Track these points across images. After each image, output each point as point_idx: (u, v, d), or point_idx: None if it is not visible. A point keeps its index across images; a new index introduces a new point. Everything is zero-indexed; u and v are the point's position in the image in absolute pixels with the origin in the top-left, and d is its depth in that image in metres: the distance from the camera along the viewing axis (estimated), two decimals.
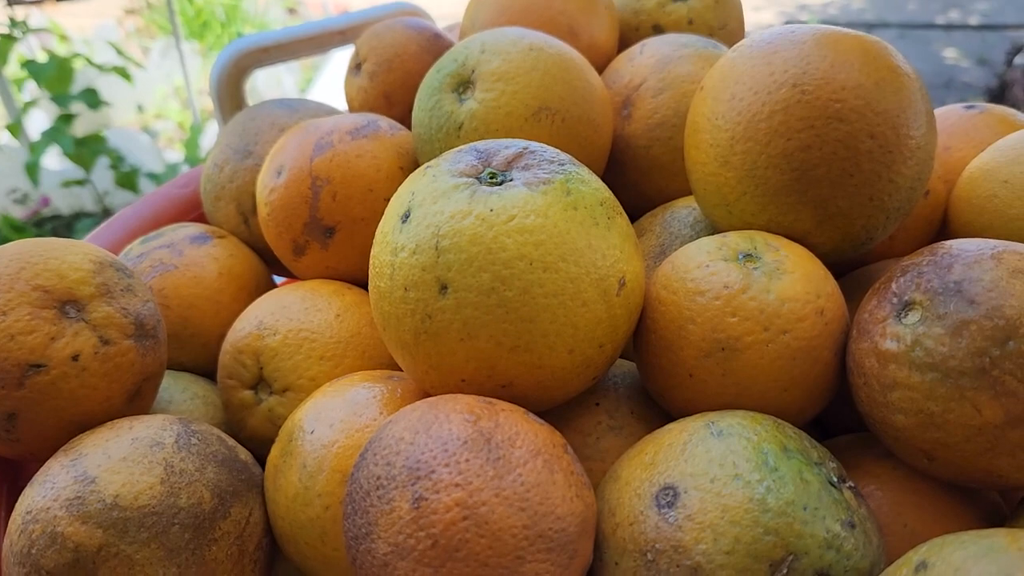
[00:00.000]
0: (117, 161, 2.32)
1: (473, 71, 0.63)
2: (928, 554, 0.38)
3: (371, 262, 0.51)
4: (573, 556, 0.42)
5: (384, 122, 0.69)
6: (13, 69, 2.57)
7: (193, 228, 0.74)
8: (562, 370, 0.48)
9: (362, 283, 0.67)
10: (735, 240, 0.53)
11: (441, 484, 0.40)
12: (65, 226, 2.41)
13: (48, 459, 0.50)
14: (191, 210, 0.85)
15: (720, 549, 0.41)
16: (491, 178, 0.48)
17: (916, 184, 0.54)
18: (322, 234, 0.66)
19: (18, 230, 2.20)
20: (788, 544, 0.41)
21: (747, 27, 0.85)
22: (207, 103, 3.13)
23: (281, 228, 0.67)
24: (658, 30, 0.81)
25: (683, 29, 0.80)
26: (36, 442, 0.52)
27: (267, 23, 3.63)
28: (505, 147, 0.50)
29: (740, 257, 0.51)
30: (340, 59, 3.10)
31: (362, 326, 0.62)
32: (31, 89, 2.45)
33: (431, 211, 0.47)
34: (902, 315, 0.47)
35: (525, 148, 0.50)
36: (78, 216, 2.45)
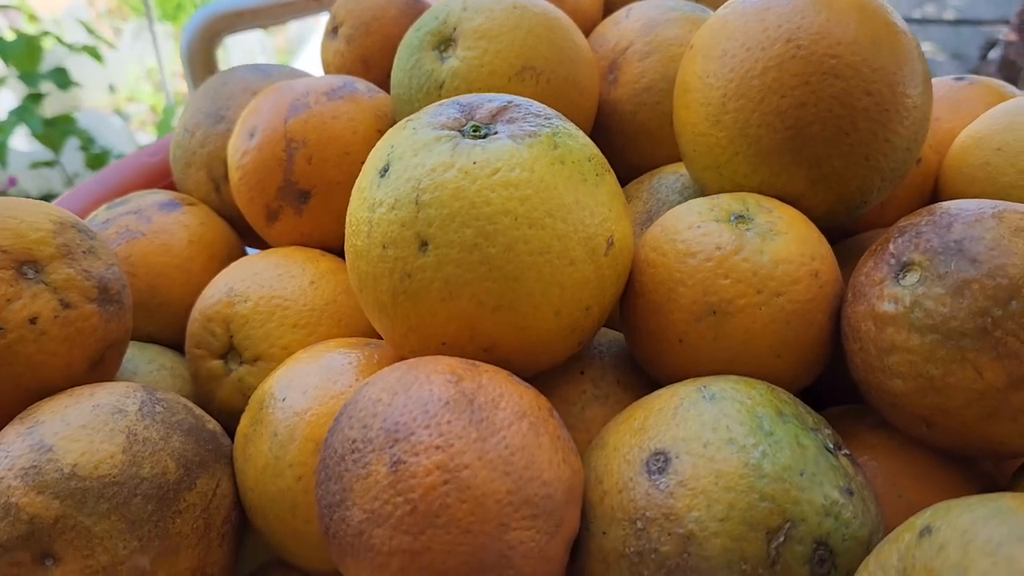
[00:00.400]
0: (87, 143, 2.27)
1: (455, 29, 0.60)
2: (932, 518, 0.36)
3: (347, 219, 0.49)
4: (559, 524, 0.40)
5: (361, 84, 0.66)
6: None
7: (162, 194, 0.71)
8: (547, 332, 0.46)
9: (338, 251, 0.64)
10: (727, 201, 0.51)
11: (421, 446, 0.38)
12: None
13: (3, 428, 0.48)
14: (160, 179, 0.82)
15: (714, 516, 0.39)
16: (474, 131, 0.46)
17: (912, 145, 0.52)
18: (296, 199, 0.63)
19: None
20: (785, 511, 0.39)
21: None
22: (180, 86, 3.07)
23: (253, 192, 0.64)
24: None
25: None
26: None
27: None
28: (489, 100, 0.48)
29: (732, 218, 0.49)
30: (317, 41, 3.06)
31: (337, 293, 0.59)
32: None
33: (411, 164, 0.45)
34: (900, 276, 0.45)
35: (510, 102, 0.48)
36: (47, 198, 2.40)
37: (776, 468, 0.39)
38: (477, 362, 0.43)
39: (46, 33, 2.17)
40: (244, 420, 0.51)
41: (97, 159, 2.25)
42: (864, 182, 0.52)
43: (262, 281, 0.59)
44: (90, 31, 2.33)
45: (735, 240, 0.48)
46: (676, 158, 0.65)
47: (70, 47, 2.22)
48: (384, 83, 0.71)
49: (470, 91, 0.59)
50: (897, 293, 0.44)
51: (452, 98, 0.49)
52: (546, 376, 0.52)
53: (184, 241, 0.68)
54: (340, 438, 0.40)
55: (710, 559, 0.38)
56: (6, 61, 2.08)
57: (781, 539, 0.38)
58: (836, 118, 0.49)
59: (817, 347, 0.49)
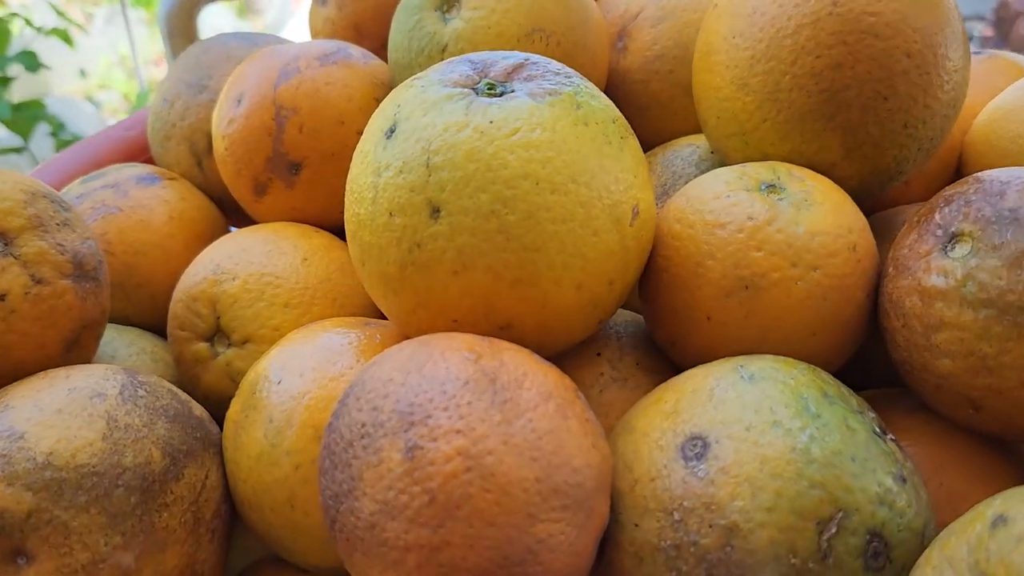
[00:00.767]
0: (57, 129, 2.20)
1: None
2: (1005, 507, 0.33)
3: (348, 186, 0.45)
4: (590, 515, 0.36)
5: (355, 50, 0.62)
6: None
7: (140, 168, 0.67)
8: (567, 309, 0.42)
9: (331, 228, 0.60)
10: (756, 169, 0.47)
11: (439, 430, 0.34)
12: None
13: None
14: (137, 155, 0.77)
15: (760, 506, 0.35)
16: (489, 89, 0.42)
17: (950, 112, 0.49)
18: (287, 171, 0.59)
19: None
20: (837, 499, 0.35)
21: None
22: (154, 73, 3.00)
23: (240, 164, 0.59)
24: None
25: None
26: None
27: None
28: (503, 58, 0.44)
29: (763, 187, 0.46)
30: (294, 27, 3.00)
31: (332, 271, 0.55)
32: None
33: (420, 124, 0.41)
34: (949, 248, 0.42)
35: (526, 59, 0.44)
36: None
37: (825, 453, 0.36)
38: (495, 339, 0.40)
39: (14, 15, 2.10)
40: (234, 406, 0.47)
41: (67, 146, 2.18)
42: (901, 151, 0.48)
43: (251, 258, 0.55)
44: (60, 14, 2.26)
45: (768, 210, 0.44)
46: (690, 130, 0.62)
47: (39, 30, 2.15)
48: (379, 53, 0.67)
49: None
50: (946, 266, 0.41)
51: (463, 55, 0.45)
52: (560, 357, 0.48)
53: (164, 217, 0.64)
54: (347, 422, 0.36)
55: (756, 552, 0.35)
56: None
57: (833, 530, 0.35)
58: (875, 81, 0.46)
59: (854, 325, 0.45)
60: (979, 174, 0.44)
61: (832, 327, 0.44)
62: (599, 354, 0.49)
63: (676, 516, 0.37)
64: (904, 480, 0.37)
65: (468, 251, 0.40)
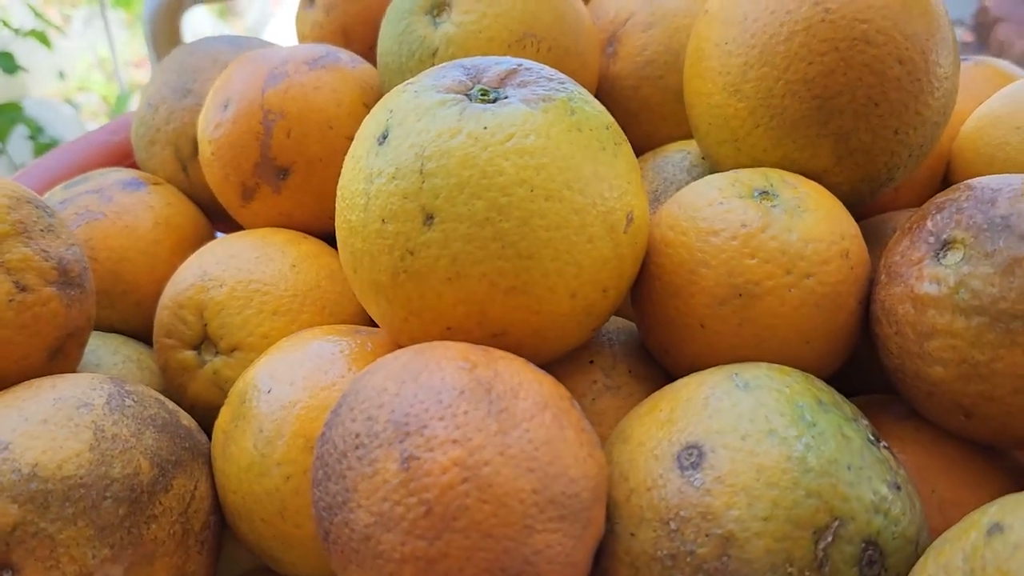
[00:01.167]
0: (36, 132, 2.17)
1: None
2: (1000, 515, 0.33)
3: (339, 193, 0.44)
4: (587, 526, 0.36)
5: (344, 54, 0.62)
6: None
7: (124, 173, 0.66)
8: (562, 317, 0.42)
9: (319, 234, 0.60)
10: (749, 176, 0.47)
11: (436, 441, 0.33)
12: None
13: None
14: (121, 159, 0.76)
15: (756, 515, 0.35)
16: (483, 95, 0.42)
17: (941, 119, 0.49)
18: (275, 176, 0.58)
19: None
20: (832, 508, 0.35)
21: None
22: (134, 76, 2.97)
23: (228, 169, 0.59)
24: None
25: None
26: None
27: None
28: (496, 63, 0.44)
29: (756, 194, 0.46)
30: (276, 27, 2.98)
31: (321, 278, 0.55)
32: None
33: (414, 129, 0.41)
34: (941, 255, 0.42)
35: (519, 65, 0.44)
36: None
37: (821, 462, 0.36)
38: (489, 348, 0.39)
39: None
40: (223, 415, 0.46)
41: (46, 149, 2.16)
42: (892, 158, 0.48)
43: (239, 264, 0.54)
44: (38, 15, 2.24)
45: (761, 217, 0.44)
46: (680, 135, 0.62)
47: (16, 31, 2.13)
48: (367, 56, 0.67)
49: None
50: (939, 273, 0.41)
51: (454, 61, 0.45)
52: (553, 365, 0.48)
53: (149, 223, 0.63)
54: (340, 432, 0.36)
55: (752, 562, 0.35)
56: None
57: (829, 539, 0.35)
58: (867, 87, 0.46)
59: (846, 333, 0.46)
60: (970, 181, 0.44)
61: (826, 334, 0.44)
62: (592, 362, 0.49)
63: (672, 526, 0.36)
64: (899, 488, 0.37)
65: (462, 258, 0.40)
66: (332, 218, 0.46)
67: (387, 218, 0.41)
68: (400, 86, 0.44)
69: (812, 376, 0.41)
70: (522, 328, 0.42)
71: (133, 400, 0.44)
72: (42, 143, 2.17)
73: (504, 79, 0.43)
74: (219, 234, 0.72)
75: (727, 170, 0.52)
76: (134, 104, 2.55)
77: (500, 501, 0.33)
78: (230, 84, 0.59)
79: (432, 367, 0.36)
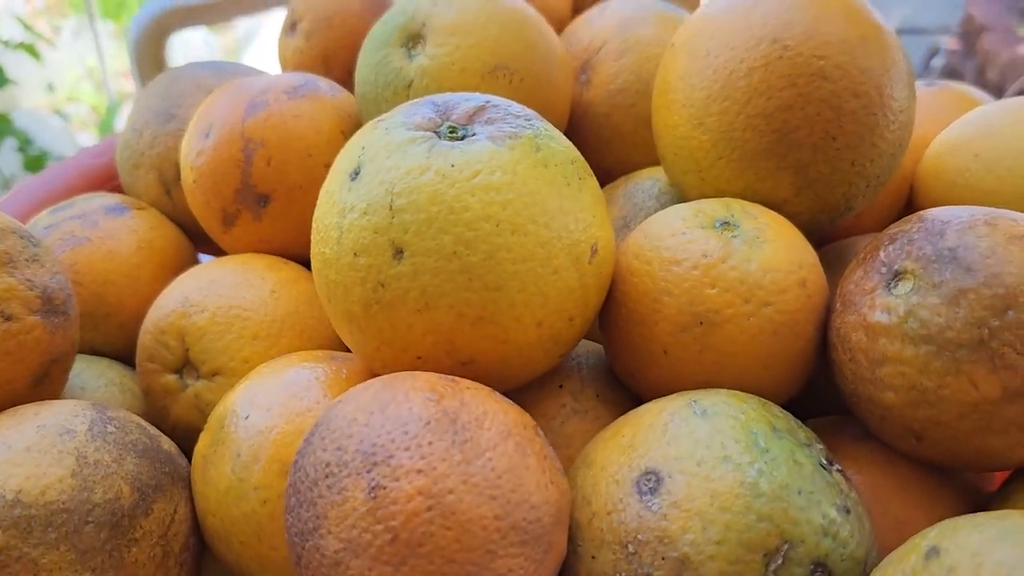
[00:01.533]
0: (25, 144, 2.18)
1: (424, 24, 0.58)
2: (938, 539, 0.35)
3: (314, 226, 0.46)
4: (548, 550, 0.37)
5: (324, 83, 0.63)
6: None
7: (109, 198, 0.67)
8: (528, 346, 0.44)
9: (299, 259, 0.61)
10: (711, 207, 0.49)
11: (401, 470, 0.35)
12: None
13: None
14: (106, 181, 0.78)
15: (710, 539, 0.37)
16: (451, 132, 0.43)
17: (897, 151, 0.51)
18: (255, 203, 0.60)
19: None
20: (783, 531, 0.37)
21: None
22: (123, 86, 2.98)
23: (209, 196, 0.60)
24: None
25: None
26: None
27: None
28: (465, 100, 0.46)
29: (717, 224, 0.47)
30: (264, 39, 2.99)
31: (300, 304, 0.56)
32: None
33: (384, 166, 0.42)
34: (892, 285, 0.44)
35: (488, 102, 0.46)
36: None
37: (773, 487, 0.38)
38: (457, 378, 0.41)
39: None
40: (203, 440, 0.48)
41: (36, 161, 2.16)
42: (850, 188, 0.50)
43: (219, 290, 0.55)
44: (27, 28, 2.25)
45: (722, 247, 0.46)
46: (651, 162, 0.63)
47: (6, 44, 2.13)
48: (346, 82, 0.68)
49: (440, 90, 0.56)
50: (890, 303, 0.43)
51: (426, 97, 0.47)
52: (523, 390, 0.49)
53: (132, 247, 0.65)
54: (312, 461, 0.37)
55: None
56: None
57: (780, 561, 0.37)
58: (824, 121, 0.48)
59: (804, 359, 0.47)
60: (923, 212, 0.46)
61: (783, 361, 0.46)
62: (561, 386, 0.51)
63: (631, 549, 0.38)
64: (848, 511, 0.39)
65: (431, 291, 0.41)
66: (311, 242, 0.48)
67: (359, 251, 0.42)
68: (372, 122, 0.46)
69: (769, 402, 0.43)
70: (490, 356, 0.43)
71: (115, 426, 0.46)
72: (31, 155, 2.18)
73: (472, 116, 0.45)
74: (202, 256, 0.73)
75: (692, 199, 0.53)
76: (123, 114, 2.56)
77: (463, 528, 0.35)
78: (212, 112, 0.60)
79: (400, 398, 0.38)
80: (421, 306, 0.42)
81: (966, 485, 0.48)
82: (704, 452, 0.39)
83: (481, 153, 0.42)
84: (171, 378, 0.55)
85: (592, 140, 0.66)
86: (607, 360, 0.53)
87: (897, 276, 0.44)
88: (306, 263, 0.59)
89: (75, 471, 0.42)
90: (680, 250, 0.46)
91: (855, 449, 0.48)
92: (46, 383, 0.50)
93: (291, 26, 0.75)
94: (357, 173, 0.43)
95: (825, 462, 0.41)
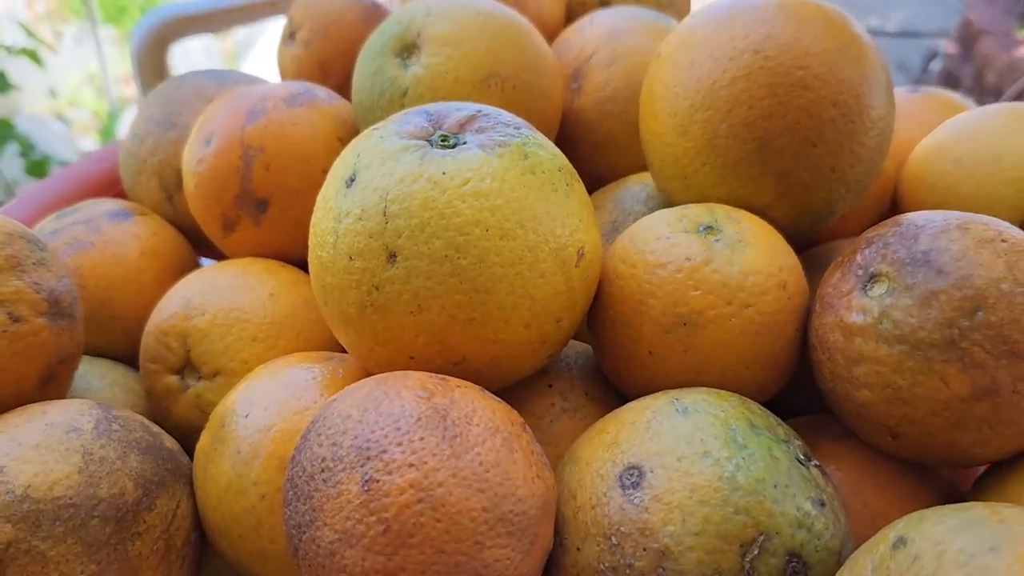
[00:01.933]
0: (27, 148, 2.20)
1: (418, 34, 0.59)
2: (906, 529, 0.36)
3: (311, 230, 0.47)
4: (534, 541, 0.39)
5: (321, 91, 0.65)
6: None
7: (112, 203, 0.69)
8: (517, 346, 0.45)
9: (297, 262, 0.63)
10: (695, 212, 0.50)
11: (394, 464, 0.37)
12: None
13: None
14: (109, 187, 0.79)
15: (689, 531, 0.38)
16: (443, 141, 0.45)
17: (876, 156, 0.53)
18: (254, 208, 0.61)
19: None
20: (759, 523, 0.38)
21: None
22: (124, 91, 3.00)
23: (210, 201, 0.62)
24: (605, 3, 0.79)
25: (630, 2, 0.78)
26: None
27: None
28: (457, 109, 0.47)
29: (701, 229, 0.49)
30: (262, 46, 3.01)
31: (298, 306, 0.58)
32: None
33: (378, 174, 0.44)
34: (868, 287, 0.45)
35: (479, 111, 0.47)
36: None
37: (750, 481, 0.39)
38: (448, 377, 0.42)
39: None
40: (204, 438, 0.49)
41: (38, 166, 2.18)
42: (830, 193, 0.52)
43: (220, 293, 0.57)
44: (30, 34, 2.27)
45: (704, 251, 0.47)
46: (641, 167, 0.65)
47: (8, 50, 2.15)
48: (343, 90, 0.70)
49: (434, 99, 0.58)
50: (865, 304, 0.45)
51: (419, 107, 0.48)
52: (513, 389, 0.51)
53: (136, 252, 0.66)
54: (308, 456, 0.39)
55: (685, 574, 0.38)
56: None
57: (755, 552, 0.38)
58: (803, 129, 0.50)
59: (784, 358, 0.49)
60: (899, 217, 0.48)
61: (764, 360, 0.48)
62: (551, 385, 0.52)
63: (614, 540, 0.40)
64: (823, 504, 0.40)
65: (423, 293, 0.43)
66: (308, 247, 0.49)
67: (354, 255, 0.44)
68: (368, 130, 0.48)
69: (748, 400, 0.45)
70: (480, 356, 0.45)
71: (119, 425, 0.48)
72: (33, 160, 2.19)
73: (464, 125, 0.46)
74: (203, 260, 0.75)
75: (678, 203, 0.55)
76: (124, 119, 2.58)
77: (452, 519, 0.36)
78: (212, 120, 0.62)
79: (392, 396, 0.39)
80: (414, 308, 0.43)
81: (943, 481, 0.50)
82: (684, 448, 0.41)
83: (471, 161, 0.43)
84: (173, 379, 0.57)
85: (584, 146, 0.67)
86: (596, 360, 0.54)
87: (873, 278, 0.45)
88: (304, 266, 0.60)
89: (81, 468, 0.44)
90: (664, 254, 0.48)
91: (837, 447, 0.50)
92: (53, 383, 0.52)
93: (290, 35, 0.77)
94: (353, 180, 0.45)
95: (802, 457, 0.42)
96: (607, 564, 0.39)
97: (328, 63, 0.74)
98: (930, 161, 0.63)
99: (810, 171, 0.51)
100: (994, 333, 0.41)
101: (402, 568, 0.36)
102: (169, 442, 0.51)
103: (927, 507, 0.45)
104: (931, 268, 0.43)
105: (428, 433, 0.38)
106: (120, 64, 3.03)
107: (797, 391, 0.53)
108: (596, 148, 0.67)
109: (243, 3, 0.88)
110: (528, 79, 0.60)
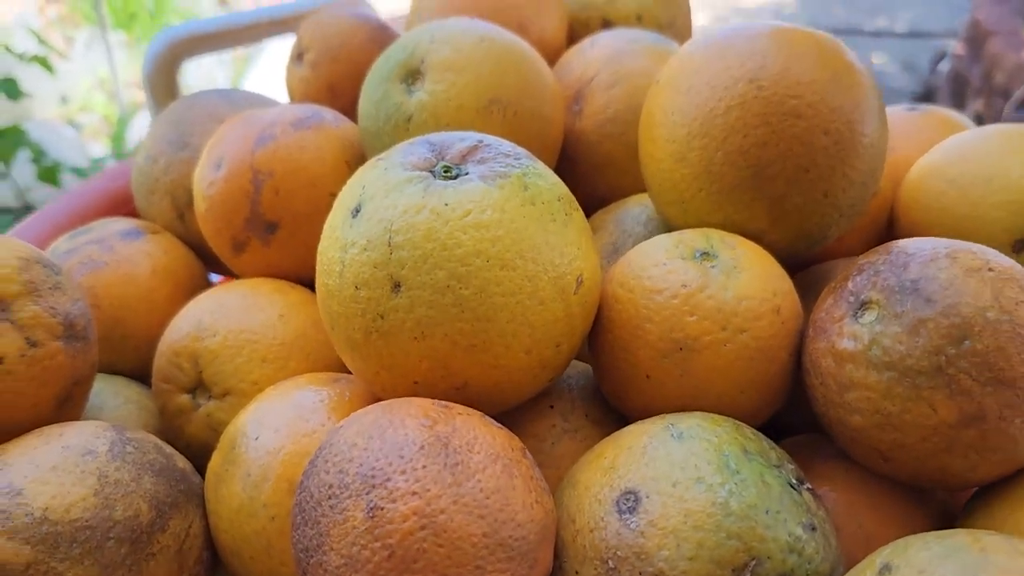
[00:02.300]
0: (39, 155, 2.22)
1: (423, 61, 0.61)
2: (891, 556, 0.38)
3: (319, 258, 0.49)
4: (533, 565, 0.40)
5: (329, 114, 0.66)
6: None
7: (124, 223, 0.71)
8: (519, 371, 0.47)
9: (305, 282, 0.65)
10: (691, 237, 0.52)
11: (398, 492, 0.38)
12: None
13: None
14: (122, 205, 0.81)
15: (683, 555, 0.40)
16: (445, 172, 0.47)
17: (869, 180, 0.54)
18: (264, 230, 0.63)
19: None
20: (751, 548, 0.40)
21: None
22: (134, 96, 3.03)
23: (220, 224, 0.64)
24: (607, 25, 0.80)
25: (632, 24, 0.79)
26: None
27: (198, 14, 3.53)
28: (459, 140, 0.49)
29: (697, 255, 0.50)
30: (272, 52, 3.03)
31: (307, 327, 0.60)
32: None
33: (383, 205, 0.45)
34: (859, 314, 0.47)
35: (480, 141, 0.49)
36: None
37: (742, 507, 0.41)
38: (450, 404, 0.44)
39: None
40: (215, 459, 0.51)
41: (49, 172, 2.20)
42: (823, 218, 0.53)
43: (230, 314, 0.59)
44: (41, 41, 2.29)
45: (700, 277, 0.49)
46: (641, 188, 0.66)
47: (20, 57, 2.18)
48: (351, 111, 0.71)
49: (438, 124, 0.59)
50: (856, 331, 0.46)
51: (423, 137, 0.50)
52: (515, 411, 0.52)
53: (148, 271, 0.68)
54: (316, 482, 0.41)
55: None
56: None
57: None
58: (796, 156, 0.51)
59: (779, 382, 0.50)
60: (890, 244, 0.49)
61: (759, 385, 0.49)
62: (552, 407, 0.54)
63: (611, 564, 0.41)
64: (814, 528, 0.42)
65: (426, 321, 0.44)
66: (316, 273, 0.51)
67: (360, 284, 0.45)
68: (373, 160, 0.49)
69: (742, 425, 0.46)
70: (482, 381, 0.46)
71: (133, 447, 0.49)
72: (45, 166, 2.21)
73: (466, 156, 0.48)
74: (214, 276, 0.77)
75: (677, 227, 0.56)
76: (135, 124, 2.60)
77: (454, 545, 0.38)
78: (222, 144, 0.64)
79: (397, 424, 0.41)
80: (417, 335, 0.45)
81: (936, 502, 0.51)
82: (679, 474, 0.42)
83: (473, 192, 0.45)
84: (185, 398, 0.58)
85: (585, 167, 0.69)
86: (596, 381, 0.56)
87: (863, 306, 0.47)
88: (312, 286, 0.62)
89: (97, 490, 0.45)
90: (661, 280, 0.49)
91: (831, 468, 0.51)
92: (69, 405, 0.53)
93: (298, 56, 0.78)
94: (358, 211, 0.46)
95: (795, 482, 0.44)
96: None
97: (337, 84, 0.75)
98: (925, 181, 0.63)
99: (803, 197, 0.52)
100: (980, 361, 0.43)
101: None
102: (182, 462, 0.52)
103: (921, 528, 0.46)
104: (919, 296, 0.44)
105: (431, 461, 0.39)
106: (130, 69, 3.06)
107: (794, 411, 0.54)
108: (597, 169, 0.68)
109: (252, 23, 0.90)
110: (530, 105, 0.61)
